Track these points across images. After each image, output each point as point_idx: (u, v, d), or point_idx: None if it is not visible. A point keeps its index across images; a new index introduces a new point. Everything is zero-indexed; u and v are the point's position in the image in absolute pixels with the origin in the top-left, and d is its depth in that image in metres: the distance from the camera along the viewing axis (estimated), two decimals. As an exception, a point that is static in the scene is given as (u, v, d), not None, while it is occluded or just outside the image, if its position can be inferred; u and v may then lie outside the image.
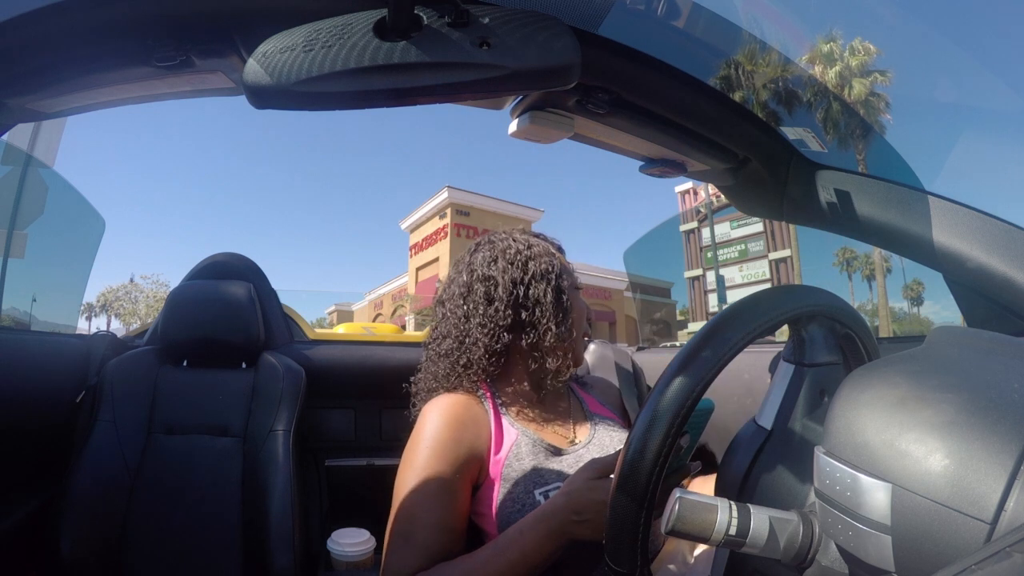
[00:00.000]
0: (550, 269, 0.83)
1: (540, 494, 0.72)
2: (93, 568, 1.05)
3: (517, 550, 0.65)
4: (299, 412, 1.25)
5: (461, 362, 0.82)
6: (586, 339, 0.91)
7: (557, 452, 0.78)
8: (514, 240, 0.87)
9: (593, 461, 0.67)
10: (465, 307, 0.83)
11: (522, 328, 0.82)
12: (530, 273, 0.82)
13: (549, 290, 0.82)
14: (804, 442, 0.46)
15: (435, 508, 0.70)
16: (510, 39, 0.46)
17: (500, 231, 0.92)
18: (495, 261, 0.84)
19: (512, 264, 0.83)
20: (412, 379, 0.90)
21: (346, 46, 0.45)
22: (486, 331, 0.81)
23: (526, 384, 0.85)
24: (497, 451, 0.76)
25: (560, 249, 0.93)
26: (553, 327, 0.80)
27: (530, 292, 0.81)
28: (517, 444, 0.77)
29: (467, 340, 0.82)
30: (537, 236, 0.92)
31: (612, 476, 0.60)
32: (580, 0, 0.64)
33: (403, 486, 0.72)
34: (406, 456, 0.75)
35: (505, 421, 0.80)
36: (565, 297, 0.83)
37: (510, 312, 0.81)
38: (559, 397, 0.89)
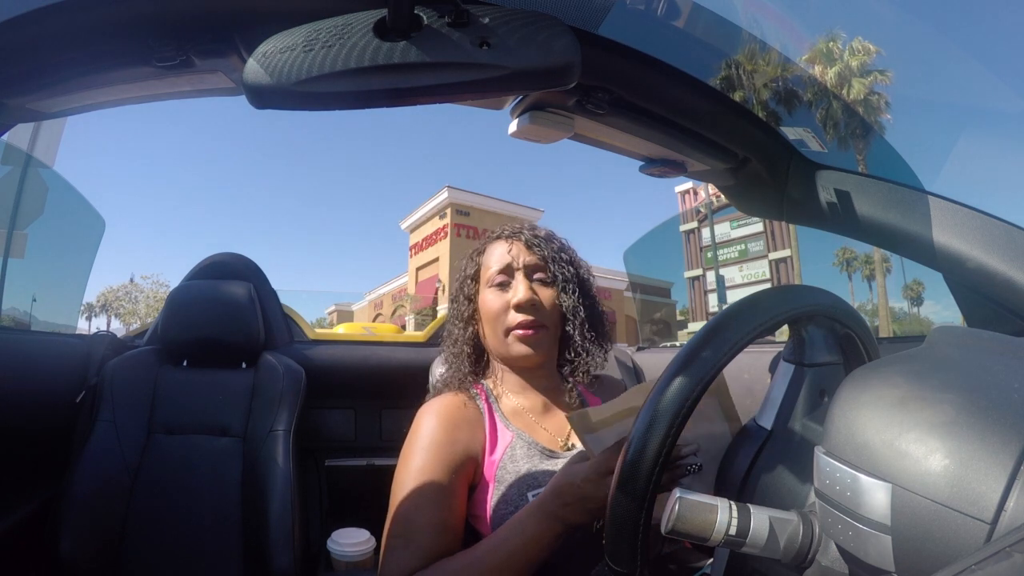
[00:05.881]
0: (461, 282, 0.88)
1: (532, 495, 0.72)
2: (93, 568, 1.05)
3: (515, 541, 0.65)
4: (299, 412, 1.25)
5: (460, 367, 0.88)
6: (521, 331, 0.80)
7: (552, 455, 0.77)
8: (470, 254, 0.91)
9: (578, 453, 0.68)
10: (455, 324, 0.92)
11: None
12: (454, 292, 0.90)
13: (456, 300, 0.89)
14: (804, 442, 0.46)
15: (432, 509, 0.70)
16: (510, 39, 0.46)
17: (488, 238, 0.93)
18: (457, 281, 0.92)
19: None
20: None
21: (346, 46, 0.45)
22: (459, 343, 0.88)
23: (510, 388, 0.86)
24: (491, 452, 0.76)
25: (521, 235, 0.86)
26: (454, 332, 0.88)
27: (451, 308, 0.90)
28: (512, 446, 0.76)
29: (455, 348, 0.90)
30: (494, 233, 0.89)
31: (591, 459, 0.62)
32: (580, 0, 0.63)
33: (400, 488, 0.72)
34: (402, 458, 0.75)
35: (500, 422, 0.79)
36: (465, 305, 0.87)
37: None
38: (562, 398, 0.88)
